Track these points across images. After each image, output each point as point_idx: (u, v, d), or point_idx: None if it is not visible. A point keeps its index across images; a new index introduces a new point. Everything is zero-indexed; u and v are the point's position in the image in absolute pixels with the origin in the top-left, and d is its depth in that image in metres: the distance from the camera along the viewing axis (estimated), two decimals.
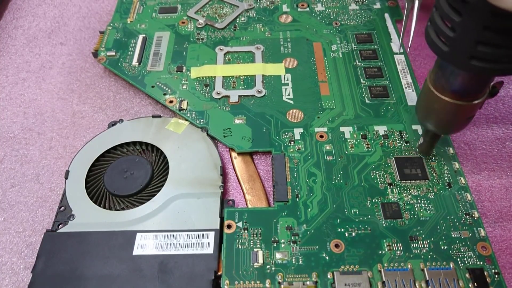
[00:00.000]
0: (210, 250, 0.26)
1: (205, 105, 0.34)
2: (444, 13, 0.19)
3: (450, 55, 0.20)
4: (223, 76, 0.36)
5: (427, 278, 0.24)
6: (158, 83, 0.36)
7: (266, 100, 0.35)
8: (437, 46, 0.20)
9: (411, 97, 0.34)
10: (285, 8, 0.43)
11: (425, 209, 0.28)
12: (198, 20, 0.42)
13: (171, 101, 0.34)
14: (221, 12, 0.43)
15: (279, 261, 0.26)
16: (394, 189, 0.29)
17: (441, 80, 0.23)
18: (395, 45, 0.38)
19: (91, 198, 0.29)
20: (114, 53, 0.38)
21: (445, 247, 0.26)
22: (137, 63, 0.38)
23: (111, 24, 0.41)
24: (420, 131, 0.32)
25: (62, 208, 0.28)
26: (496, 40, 0.18)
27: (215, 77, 0.36)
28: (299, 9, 0.42)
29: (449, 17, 0.19)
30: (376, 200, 0.28)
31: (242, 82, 0.36)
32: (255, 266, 0.26)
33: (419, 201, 0.28)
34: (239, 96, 0.35)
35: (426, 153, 0.30)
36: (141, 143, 0.32)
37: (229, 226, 0.27)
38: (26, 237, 0.29)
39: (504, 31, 0.17)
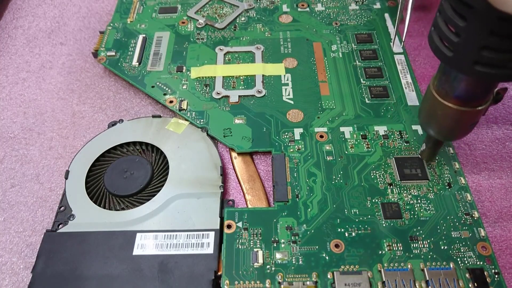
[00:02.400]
0: (210, 250, 0.26)
1: (205, 105, 0.34)
2: (448, 18, 0.19)
3: (454, 60, 0.20)
4: (223, 76, 0.36)
5: (427, 278, 0.24)
6: (158, 83, 0.36)
7: (266, 100, 0.35)
8: (441, 51, 0.20)
9: (411, 97, 0.34)
10: (285, 8, 0.43)
11: (425, 209, 0.28)
12: (198, 20, 0.42)
13: (171, 101, 0.34)
14: (221, 12, 0.43)
15: (279, 261, 0.26)
16: (394, 189, 0.29)
17: (444, 85, 0.23)
18: (395, 45, 0.38)
19: (91, 198, 0.29)
20: (114, 53, 0.38)
21: (445, 247, 0.26)
22: (137, 63, 0.38)
23: (111, 24, 0.41)
24: (420, 131, 0.32)
25: (62, 208, 0.28)
26: (501, 45, 0.18)
27: (215, 77, 0.36)
28: (299, 9, 0.42)
29: (453, 22, 0.18)
30: (376, 200, 0.28)
31: (242, 82, 0.36)
32: (255, 266, 0.26)
33: (419, 201, 0.28)
34: (239, 96, 0.35)
35: (429, 159, 0.29)
36: (141, 143, 0.32)
37: (229, 226, 0.27)
38: (26, 237, 0.29)
39: (509, 36, 0.17)
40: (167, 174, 0.30)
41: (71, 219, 0.28)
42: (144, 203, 0.28)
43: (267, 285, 0.25)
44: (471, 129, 0.25)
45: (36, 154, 0.33)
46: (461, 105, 0.23)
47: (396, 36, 0.39)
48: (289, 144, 0.31)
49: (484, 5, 0.16)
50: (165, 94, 0.35)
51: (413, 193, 0.28)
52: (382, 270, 0.25)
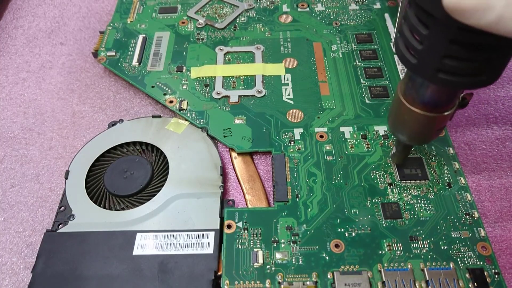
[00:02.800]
0: (210, 250, 0.26)
1: (205, 105, 0.34)
2: (412, 26, 0.19)
3: (418, 67, 0.20)
4: (223, 76, 0.36)
5: (427, 278, 0.24)
6: (158, 83, 0.36)
7: (266, 100, 0.35)
8: (406, 59, 0.20)
9: None
10: (285, 8, 0.43)
11: (425, 209, 0.28)
12: (198, 20, 0.42)
13: (171, 101, 0.34)
14: (221, 12, 0.43)
15: (279, 261, 0.26)
16: (394, 189, 0.29)
17: (411, 91, 0.23)
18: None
19: (91, 198, 0.29)
20: (114, 53, 0.38)
21: (445, 247, 0.26)
22: (137, 63, 0.38)
23: (111, 24, 0.41)
24: None
25: (62, 208, 0.28)
26: (462, 54, 0.18)
27: (215, 77, 0.36)
28: (299, 9, 0.42)
29: (417, 30, 0.19)
30: (376, 200, 0.28)
31: (242, 82, 0.36)
32: (255, 266, 0.26)
33: (419, 201, 0.28)
34: (239, 96, 0.35)
35: (399, 162, 0.29)
36: (141, 143, 0.32)
37: (229, 226, 0.27)
38: (26, 237, 0.29)
39: (469, 45, 0.18)
40: (167, 174, 0.30)
41: (71, 219, 0.28)
42: (144, 203, 0.28)
43: (267, 285, 0.25)
44: (439, 134, 0.25)
45: (36, 154, 0.33)
46: (428, 110, 0.23)
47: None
48: (289, 144, 0.31)
49: (443, 15, 0.16)
50: (165, 94, 0.35)
51: (413, 193, 0.28)
52: (382, 270, 0.25)
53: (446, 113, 0.23)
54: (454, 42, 0.18)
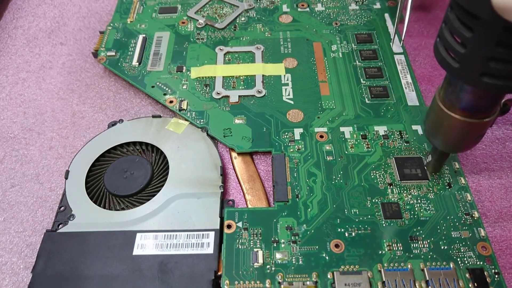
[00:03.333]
0: (210, 250, 0.26)
1: (205, 105, 0.34)
2: (454, 29, 0.18)
3: (460, 71, 0.19)
4: (223, 76, 0.36)
5: (427, 278, 0.24)
6: (158, 83, 0.36)
7: (266, 100, 0.35)
8: (447, 63, 0.20)
9: (411, 97, 0.34)
10: (285, 8, 0.43)
11: (425, 209, 0.28)
12: (198, 20, 0.42)
13: (171, 101, 0.34)
14: (221, 12, 0.43)
15: (279, 261, 0.26)
16: (394, 189, 0.29)
17: (450, 97, 0.22)
18: (395, 45, 0.38)
19: (91, 198, 0.29)
20: (114, 53, 0.38)
21: (445, 247, 0.26)
22: (137, 63, 0.38)
23: (111, 24, 0.41)
24: (420, 131, 0.32)
25: (62, 208, 0.28)
26: (509, 56, 0.17)
27: (215, 77, 0.36)
28: (299, 9, 0.42)
29: (459, 33, 0.18)
30: (376, 200, 0.28)
31: (242, 82, 0.36)
32: (255, 266, 0.26)
33: (419, 201, 0.28)
34: (239, 96, 0.35)
35: (435, 171, 0.29)
36: (141, 143, 0.32)
37: (229, 226, 0.27)
38: (26, 237, 0.29)
39: None
40: (167, 174, 0.30)
41: (71, 219, 0.28)
42: (144, 203, 0.28)
43: (267, 285, 0.25)
44: (478, 141, 0.24)
45: (36, 154, 0.33)
46: (468, 116, 0.22)
47: (396, 35, 0.39)
48: (289, 144, 0.31)
49: (490, 15, 0.16)
50: (165, 94, 0.35)
51: (413, 193, 0.28)
52: (382, 270, 0.25)
53: (486, 120, 0.22)
54: (501, 44, 0.17)
